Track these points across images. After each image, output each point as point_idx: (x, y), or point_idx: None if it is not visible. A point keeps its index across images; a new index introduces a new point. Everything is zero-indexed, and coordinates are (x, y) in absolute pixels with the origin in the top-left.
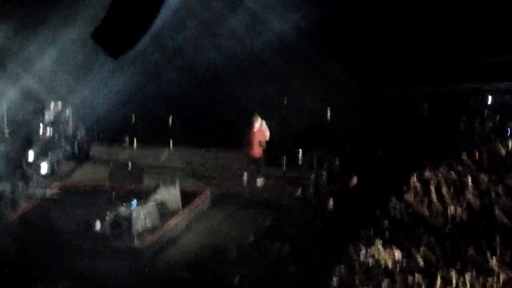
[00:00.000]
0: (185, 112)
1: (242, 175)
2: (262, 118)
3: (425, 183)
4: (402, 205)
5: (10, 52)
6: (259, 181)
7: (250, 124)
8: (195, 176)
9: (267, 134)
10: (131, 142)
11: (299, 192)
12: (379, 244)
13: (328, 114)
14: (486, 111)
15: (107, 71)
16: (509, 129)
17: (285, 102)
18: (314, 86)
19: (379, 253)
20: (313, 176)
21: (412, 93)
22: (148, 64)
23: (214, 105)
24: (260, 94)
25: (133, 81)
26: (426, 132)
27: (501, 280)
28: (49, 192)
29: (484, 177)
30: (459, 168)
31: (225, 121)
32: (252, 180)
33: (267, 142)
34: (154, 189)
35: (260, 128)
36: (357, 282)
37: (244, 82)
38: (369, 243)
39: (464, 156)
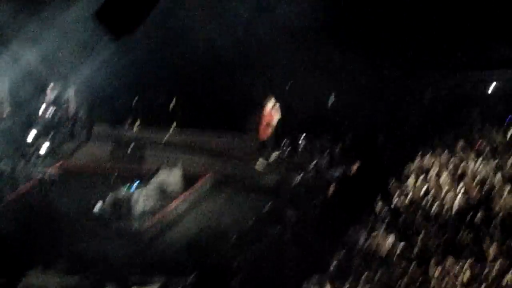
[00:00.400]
0: (188, 95)
1: (245, 158)
2: (265, 103)
3: (425, 170)
4: (402, 191)
5: (12, 31)
6: (260, 163)
7: (263, 105)
8: (197, 159)
9: (277, 116)
10: (133, 124)
11: (300, 177)
12: (378, 230)
13: (331, 100)
14: (488, 99)
15: (110, 52)
16: (510, 117)
17: (288, 87)
18: (318, 72)
19: (378, 239)
20: (314, 162)
21: (415, 80)
22: (152, 46)
23: (217, 88)
24: (264, 79)
25: (136, 62)
26: (427, 119)
27: (498, 268)
28: (49, 172)
29: (483, 165)
30: (460, 155)
31: (228, 105)
32: (254, 162)
33: (277, 125)
34: (155, 171)
35: (271, 110)
36: (355, 267)
37: (248, 67)
38: (369, 229)
39: (464, 144)
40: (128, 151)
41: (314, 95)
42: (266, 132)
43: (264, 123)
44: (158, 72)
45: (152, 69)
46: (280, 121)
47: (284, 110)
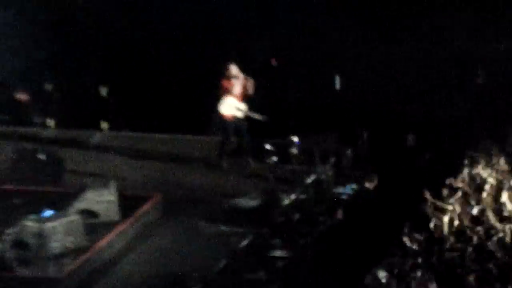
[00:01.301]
0: (127, 82)
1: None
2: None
3: (476, 185)
4: (444, 216)
5: None
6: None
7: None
8: (141, 172)
9: (250, 87)
10: (47, 123)
11: (294, 196)
12: (411, 275)
13: (337, 83)
14: None
15: (15, 25)
16: None
17: (275, 63)
18: (318, 47)
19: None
20: (315, 173)
21: (460, 60)
22: (76, 17)
23: (168, 75)
24: (245, 55)
25: (52, 39)
26: (477, 113)
27: None
28: None
29: None
30: None
31: (183, 97)
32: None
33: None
34: (79, 192)
35: (236, 79)
36: None
37: (214, 42)
38: (396, 274)
39: None
40: (39, 162)
41: (314, 78)
42: (230, 107)
43: (226, 94)
44: (83, 51)
45: (75, 48)
46: (261, 113)
47: (270, 97)
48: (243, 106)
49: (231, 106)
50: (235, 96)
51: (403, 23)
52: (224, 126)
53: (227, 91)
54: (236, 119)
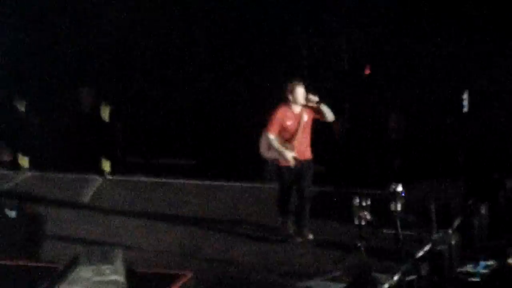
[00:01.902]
0: (144, 100)
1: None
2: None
3: None
4: None
5: None
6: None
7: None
8: (160, 239)
9: (329, 115)
10: (19, 163)
11: (397, 276)
12: None
13: (465, 104)
14: None
15: None
16: None
17: (368, 73)
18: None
19: None
20: (430, 241)
21: None
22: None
23: (209, 88)
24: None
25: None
26: None
27: None
28: None
29: None
30: None
31: (228, 122)
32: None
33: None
34: (69, 268)
35: (300, 108)
36: None
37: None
38: None
39: None
40: (8, 222)
41: (427, 95)
42: (266, 151)
43: (287, 125)
44: (76, 53)
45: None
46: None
47: (360, 124)
48: (292, 149)
49: (274, 147)
50: (291, 132)
51: None
52: (279, 172)
53: (280, 125)
54: (296, 162)
